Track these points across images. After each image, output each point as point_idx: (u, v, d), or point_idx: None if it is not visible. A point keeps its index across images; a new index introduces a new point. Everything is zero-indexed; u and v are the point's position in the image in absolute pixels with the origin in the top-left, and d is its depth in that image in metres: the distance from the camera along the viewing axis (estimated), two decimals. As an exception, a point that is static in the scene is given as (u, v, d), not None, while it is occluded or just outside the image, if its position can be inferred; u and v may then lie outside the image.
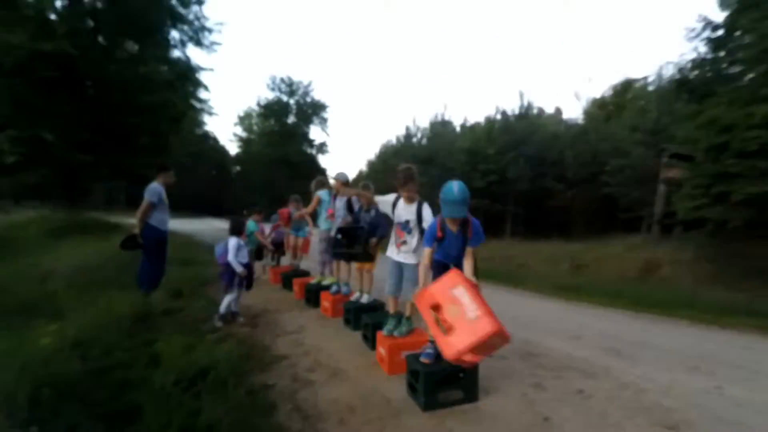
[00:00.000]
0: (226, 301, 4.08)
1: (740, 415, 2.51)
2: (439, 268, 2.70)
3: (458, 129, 21.35)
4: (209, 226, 20.83)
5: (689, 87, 9.16)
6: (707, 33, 8.72)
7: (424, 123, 23.22)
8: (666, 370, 3.26)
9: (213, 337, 3.52)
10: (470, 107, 79.32)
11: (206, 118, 30.23)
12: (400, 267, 3.34)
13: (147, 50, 12.03)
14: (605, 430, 2.28)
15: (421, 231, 3.15)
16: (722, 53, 8.45)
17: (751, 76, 6.79)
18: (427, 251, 2.59)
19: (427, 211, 3.17)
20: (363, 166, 37.23)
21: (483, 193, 17.03)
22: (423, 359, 2.54)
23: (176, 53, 13.08)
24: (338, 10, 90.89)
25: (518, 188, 16.04)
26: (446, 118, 22.11)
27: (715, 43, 8.60)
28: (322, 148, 43.45)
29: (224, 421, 1.98)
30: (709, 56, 8.81)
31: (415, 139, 23.08)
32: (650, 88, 16.22)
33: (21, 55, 8.55)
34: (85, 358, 2.54)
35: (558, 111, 24.43)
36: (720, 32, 8.42)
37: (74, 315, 3.36)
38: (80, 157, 10.32)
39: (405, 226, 3.26)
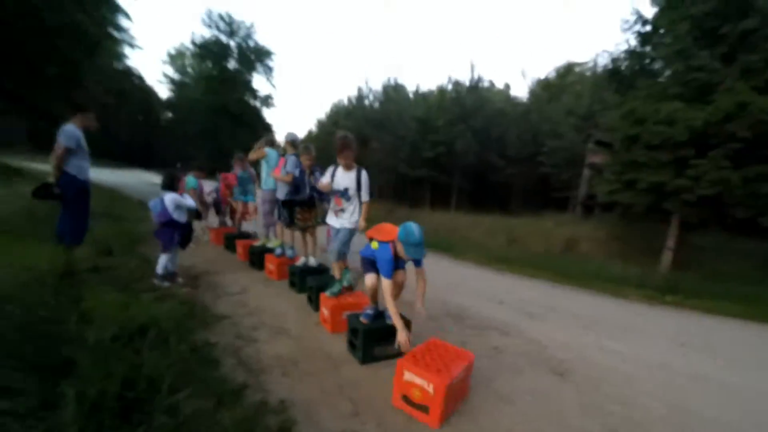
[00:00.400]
0: (163, 260, 3.93)
1: (612, 362, 3.15)
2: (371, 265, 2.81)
3: (411, 95, 21.32)
4: (137, 179, 19.02)
5: (619, 77, 9.95)
6: (638, 26, 9.37)
7: (378, 85, 22.79)
8: (565, 330, 3.90)
9: (150, 296, 3.41)
10: (424, 73, 78.55)
11: (128, 50, 26.30)
12: (337, 232, 3.46)
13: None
14: (511, 376, 2.73)
15: (359, 198, 3.33)
16: (648, 48, 9.19)
17: (667, 73, 7.58)
18: (386, 283, 2.58)
19: (365, 178, 3.30)
20: (312, 126, 35.67)
21: (432, 163, 17.52)
22: (362, 319, 2.76)
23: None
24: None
25: (465, 161, 16.67)
26: (400, 82, 21.82)
27: (643, 38, 9.28)
28: (267, 100, 40.27)
29: (168, 373, 2.03)
30: (638, 50, 9.56)
31: (367, 102, 22.60)
32: (587, 74, 17.44)
33: None
34: (6, 313, 2.37)
35: (507, 87, 25.33)
36: (648, 27, 9.09)
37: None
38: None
39: (344, 193, 3.33)
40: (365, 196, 3.33)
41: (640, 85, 7.79)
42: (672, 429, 2.26)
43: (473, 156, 15.64)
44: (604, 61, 12.34)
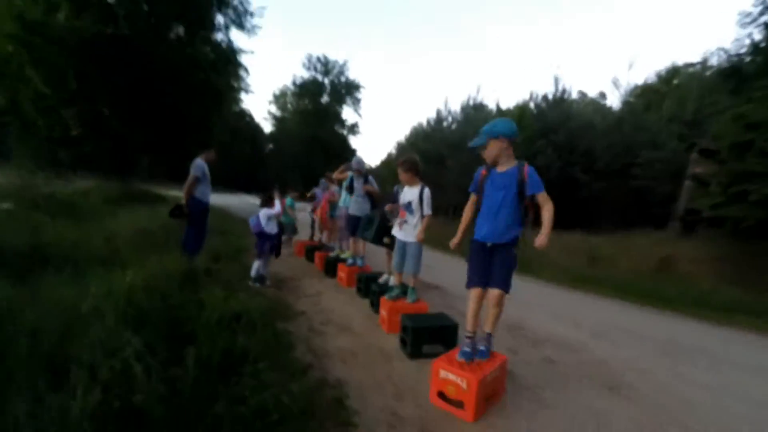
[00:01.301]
0: (256, 265, 4.76)
1: (683, 388, 2.88)
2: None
3: (492, 113, 21.10)
4: (243, 201, 22.06)
5: (739, 77, 8.63)
6: (765, 18, 8.11)
7: (456, 106, 23.08)
8: (632, 350, 3.62)
9: (244, 293, 4.19)
10: (506, 90, 76.39)
11: (243, 95, 31.36)
12: (404, 245, 3.82)
13: (193, 33, 12.85)
14: (558, 385, 2.72)
15: (422, 212, 3.67)
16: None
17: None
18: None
19: (427, 194, 3.67)
20: (392, 149, 37.42)
21: (509, 180, 16.90)
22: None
23: (220, 36, 13.86)
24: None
25: (546, 177, 15.84)
26: (479, 101, 21.79)
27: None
28: (353, 128, 44.00)
29: (254, 349, 2.60)
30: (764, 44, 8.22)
31: (445, 123, 22.99)
32: (695, 77, 15.31)
33: (86, 37, 9.52)
34: (150, 299, 3.25)
35: (601, 95, 23.39)
36: None
37: (136, 268, 4.12)
38: (133, 131, 11.42)
39: (407, 206, 3.74)
40: (427, 210, 3.67)
41: (756, 86, 6.76)
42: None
43: (555, 171, 14.77)
44: (717, 60, 10.89)
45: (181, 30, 13.12)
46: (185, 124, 13.54)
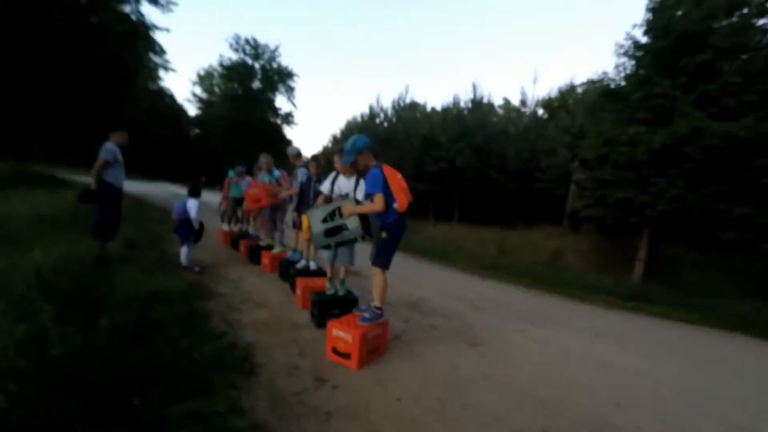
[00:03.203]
0: (185, 252, 4.88)
1: (523, 342, 3.82)
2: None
3: (417, 114, 22.36)
4: (162, 190, 20.54)
5: (617, 98, 10.43)
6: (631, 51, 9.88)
7: (387, 103, 24.04)
8: (501, 318, 4.57)
9: (162, 275, 4.32)
10: (432, 91, 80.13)
11: (162, 73, 28.85)
12: None
13: (96, 2, 11.70)
14: (431, 343, 3.45)
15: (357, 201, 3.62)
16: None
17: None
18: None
19: (362, 183, 3.56)
20: (327, 141, 37.39)
21: (435, 178, 18.34)
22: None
23: (128, 9, 12.78)
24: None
25: (466, 176, 17.38)
26: (407, 101, 22.90)
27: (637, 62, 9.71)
28: (288, 118, 42.70)
29: (170, 320, 2.89)
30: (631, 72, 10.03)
31: (377, 120, 23.78)
32: (583, 94, 18.05)
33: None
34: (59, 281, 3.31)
35: (507, 102, 26.06)
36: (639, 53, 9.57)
37: (43, 249, 4.02)
38: (22, 104, 10.15)
39: (344, 198, 3.68)
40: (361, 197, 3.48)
41: (609, 108, 8.43)
42: (547, 389, 2.93)
43: (474, 171, 16.36)
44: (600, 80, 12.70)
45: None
46: (88, 99, 12.29)
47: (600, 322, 5.12)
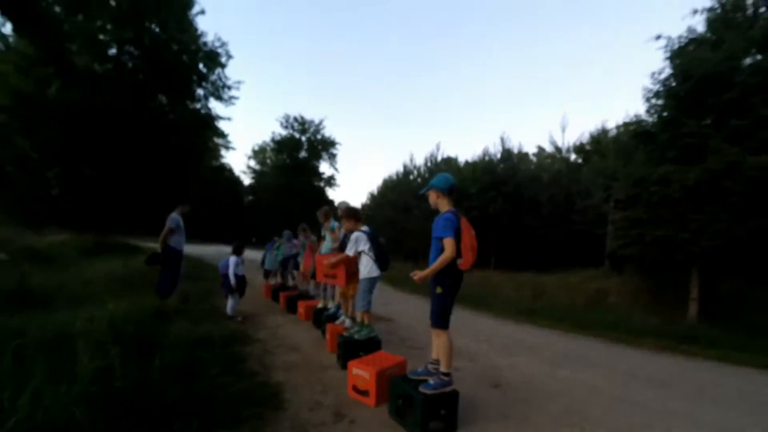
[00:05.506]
0: (231, 303, 5.47)
1: (550, 383, 3.73)
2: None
3: (459, 165, 23.16)
4: (218, 251, 22.32)
5: (648, 140, 10.31)
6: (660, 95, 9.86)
7: (421, 160, 25.17)
8: (526, 359, 4.47)
9: (209, 325, 4.84)
10: (464, 139, 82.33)
11: (224, 152, 33.20)
12: None
13: (175, 102, 14.36)
14: (455, 382, 3.51)
15: (371, 254, 3.86)
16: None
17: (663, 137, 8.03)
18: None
19: (353, 238, 3.98)
20: (366, 199, 39.17)
21: (469, 227, 18.33)
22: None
23: (199, 105, 15.51)
24: (349, 57, 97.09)
25: (499, 223, 17.25)
26: (439, 157, 23.89)
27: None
28: (330, 181, 46.10)
29: (212, 361, 3.31)
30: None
31: (411, 177, 24.80)
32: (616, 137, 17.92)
33: (76, 108, 10.60)
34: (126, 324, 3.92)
35: (542, 150, 26.07)
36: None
37: (115, 304, 4.75)
38: (114, 190, 12.20)
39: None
40: (348, 251, 3.95)
41: (641, 149, 8.41)
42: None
43: (507, 218, 16.25)
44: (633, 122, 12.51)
45: (164, 99, 14.61)
46: (165, 181, 14.47)
47: (646, 365, 4.77)
